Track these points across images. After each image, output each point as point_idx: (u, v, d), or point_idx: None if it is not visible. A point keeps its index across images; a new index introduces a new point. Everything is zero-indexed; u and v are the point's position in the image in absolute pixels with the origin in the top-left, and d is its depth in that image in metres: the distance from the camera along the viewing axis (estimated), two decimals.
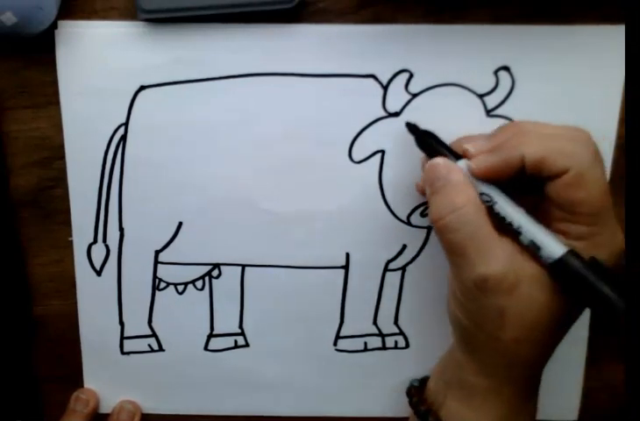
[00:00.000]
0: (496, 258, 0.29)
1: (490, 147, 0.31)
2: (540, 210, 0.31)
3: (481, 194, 0.30)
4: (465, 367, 0.32)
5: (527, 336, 0.30)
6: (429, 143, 0.33)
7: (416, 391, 0.36)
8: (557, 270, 0.29)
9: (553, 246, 0.29)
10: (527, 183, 0.30)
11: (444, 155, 0.31)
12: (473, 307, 0.30)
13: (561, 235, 0.29)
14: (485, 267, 0.29)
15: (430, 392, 0.35)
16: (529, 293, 0.29)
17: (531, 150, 0.29)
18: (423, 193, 0.33)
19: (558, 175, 0.29)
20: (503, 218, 0.30)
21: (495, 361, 0.31)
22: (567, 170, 0.28)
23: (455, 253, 0.30)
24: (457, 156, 0.31)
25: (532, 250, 0.29)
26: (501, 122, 0.35)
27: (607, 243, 0.29)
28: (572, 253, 0.28)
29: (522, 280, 0.29)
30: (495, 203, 0.30)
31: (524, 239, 0.29)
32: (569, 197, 0.29)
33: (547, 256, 0.29)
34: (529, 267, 0.29)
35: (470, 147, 0.31)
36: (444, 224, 0.30)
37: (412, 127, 0.34)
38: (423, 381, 0.37)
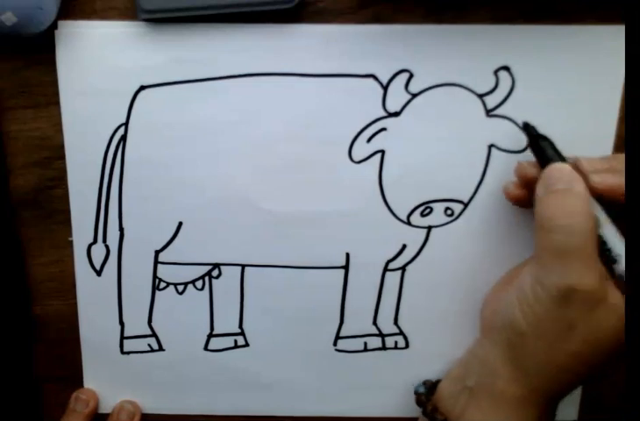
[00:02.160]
0: (593, 274, 0.29)
1: (607, 168, 0.31)
2: None
3: None
4: (498, 372, 0.32)
5: (587, 353, 0.30)
6: (543, 147, 0.33)
7: (426, 398, 0.36)
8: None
9: None
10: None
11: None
12: (545, 315, 0.30)
13: None
14: (580, 279, 0.29)
15: (444, 399, 0.34)
16: (607, 315, 0.29)
17: None
18: (514, 199, 0.34)
19: None
20: (604, 243, 0.30)
21: (542, 372, 0.31)
22: None
23: (554, 255, 0.30)
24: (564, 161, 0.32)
25: (621, 281, 0.30)
26: (501, 122, 0.35)
27: None
28: None
29: (604, 301, 0.29)
30: (601, 225, 0.30)
31: (618, 268, 0.30)
32: None
33: None
34: (613, 294, 0.29)
35: (584, 160, 0.31)
36: (556, 225, 0.30)
37: (529, 128, 0.34)
38: (426, 384, 0.37)
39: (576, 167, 0.31)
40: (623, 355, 0.30)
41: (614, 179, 0.31)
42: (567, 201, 0.30)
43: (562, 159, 0.32)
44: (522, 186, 0.34)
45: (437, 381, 0.36)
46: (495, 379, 0.32)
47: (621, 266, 0.30)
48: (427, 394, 0.36)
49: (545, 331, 0.30)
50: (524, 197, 0.34)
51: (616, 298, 0.30)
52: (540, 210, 0.31)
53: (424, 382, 0.37)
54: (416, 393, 0.37)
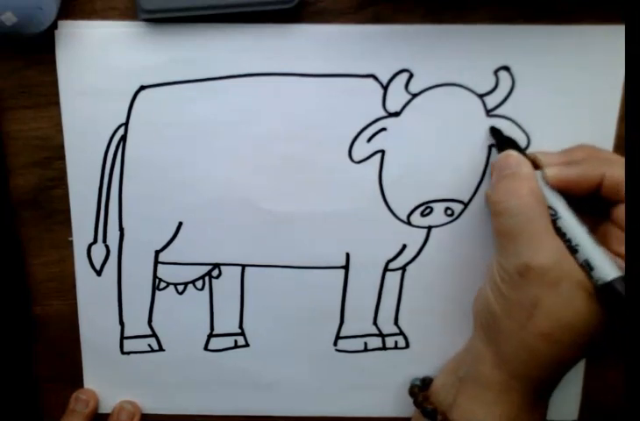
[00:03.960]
0: (545, 250, 0.30)
1: (563, 161, 0.32)
2: (599, 231, 0.32)
3: (548, 207, 0.31)
4: (483, 358, 0.32)
5: (555, 334, 0.30)
6: (506, 144, 0.34)
7: (420, 390, 0.36)
8: (604, 293, 0.29)
9: (607, 270, 0.29)
10: (588, 203, 0.31)
11: None
12: (510, 294, 0.31)
13: (620, 258, 0.30)
14: (532, 256, 0.30)
15: (437, 391, 0.35)
16: (569, 295, 0.29)
17: (614, 172, 0.30)
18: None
19: None
20: (564, 234, 0.31)
21: (515, 354, 0.31)
22: None
23: (507, 237, 0.31)
24: (534, 166, 0.33)
25: (584, 268, 0.30)
26: (501, 122, 0.35)
27: None
28: (622, 279, 0.29)
29: (565, 280, 0.29)
30: (559, 217, 0.31)
31: (579, 257, 0.30)
32: None
33: (598, 277, 0.29)
34: (576, 274, 0.30)
35: (540, 155, 0.33)
36: (504, 208, 0.31)
37: (495, 132, 0.34)
38: (425, 380, 0.37)
39: (533, 161, 0.33)
40: (597, 337, 0.30)
41: (568, 171, 0.31)
42: (513, 183, 0.31)
43: (522, 153, 0.33)
44: None
45: (432, 379, 0.37)
46: (480, 365, 0.32)
47: (581, 255, 0.30)
48: (421, 386, 0.37)
49: (513, 311, 0.31)
50: None
51: (581, 276, 0.30)
52: (491, 195, 0.32)
53: (423, 378, 0.38)
54: (411, 385, 0.37)
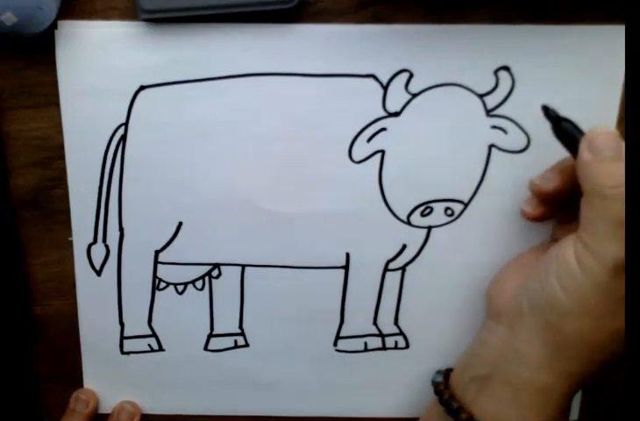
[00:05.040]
0: None
1: None
2: None
3: None
4: (529, 361, 0.30)
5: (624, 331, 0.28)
6: (569, 131, 0.31)
7: (445, 386, 0.34)
8: None
9: None
10: None
11: None
12: (594, 289, 0.28)
13: None
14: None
15: (453, 385, 0.34)
16: None
17: None
18: (535, 218, 0.33)
19: None
20: None
21: (579, 353, 0.29)
22: None
23: (615, 224, 0.28)
24: None
25: None
26: (501, 122, 0.35)
27: None
28: None
29: None
30: None
31: None
32: None
33: None
34: None
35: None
36: (616, 193, 0.28)
37: (550, 113, 0.32)
38: (444, 373, 0.35)
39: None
40: None
41: None
42: (622, 169, 0.28)
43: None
44: (540, 203, 0.33)
45: (451, 369, 0.35)
46: (515, 366, 0.31)
47: None
48: (445, 382, 0.35)
49: (593, 307, 0.29)
50: (545, 215, 0.33)
51: None
52: (592, 177, 0.29)
53: (439, 371, 0.36)
54: (434, 382, 0.35)
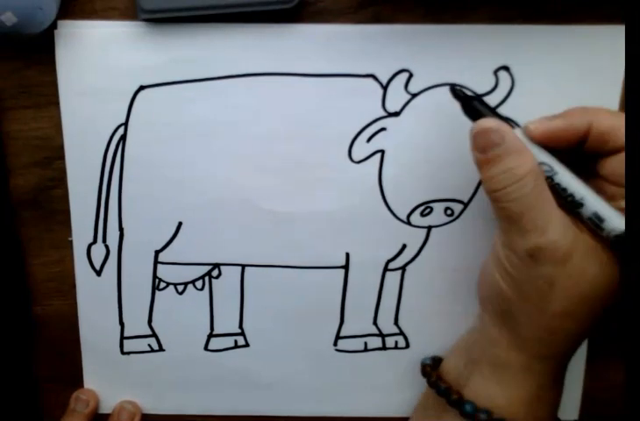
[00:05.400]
0: (552, 227, 0.29)
1: (543, 116, 0.30)
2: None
3: (540, 163, 0.29)
4: (497, 342, 0.32)
5: (573, 309, 0.29)
6: (476, 109, 0.31)
7: (432, 369, 0.36)
8: (620, 243, 0.28)
9: (618, 219, 0.28)
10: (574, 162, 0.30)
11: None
12: (523, 277, 0.30)
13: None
14: (540, 236, 0.29)
15: (448, 371, 0.34)
16: (582, 265, 0.29)
17: (601, 120, 0.29)
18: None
19: (621, 149, 0.29)
20: (564, 189, 0.29)
21: (535, 335, 0.31)
22: None
23: (511, 221, 0.29)
24: (507, 123, 0.30)
25: (593, 222, 0.29)
26: (534, 120, 0.34)
27: None
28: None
29: (576, 251, 0.29)
30: (556, 173, 0.29)
31: (586, 210, 0.29)
32: None
33: (611, 228, 0.28)
34: (583, 240, 0.29)
35: (529, 123, 0.30)
36: (503, 194, 0.29)
37: (458, 92, 0.32)
38: (434, 359, 0.37)
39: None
40: (612, 302, 0.30)
41: (551, 123, 0.30)
42: (506, 166, 0.29)
43: (500, 117, 0.30)
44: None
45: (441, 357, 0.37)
46: (495, 348, 0.32)
47: (588, 208, 0.29)
48: (432, 365, 0.36)
49: (528, 293, 0.30)
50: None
51: (588, 241, 0.29)
52: (485, 183, 0.30)
53: (432, 357, 0.37)
54: (422, 364, 0.37)
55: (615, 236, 0.28)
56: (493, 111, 0.31)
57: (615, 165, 0.29)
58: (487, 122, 0.30)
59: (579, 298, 0.29)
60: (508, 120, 0.31)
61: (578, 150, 0.30)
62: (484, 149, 0.30)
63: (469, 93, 0.32)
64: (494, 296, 0.32)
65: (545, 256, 0.29)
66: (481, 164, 0.30)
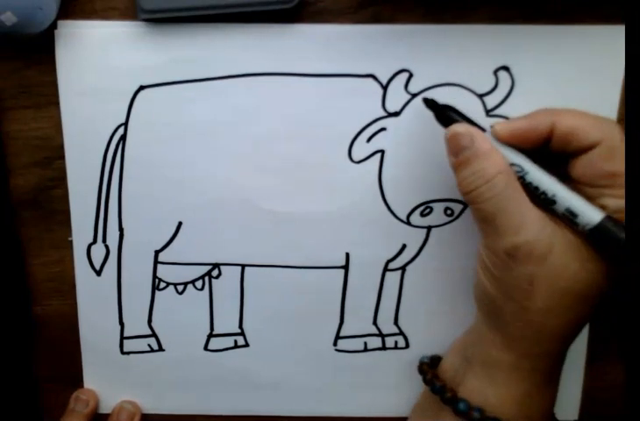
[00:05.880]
0: (528, 226, 0.29)
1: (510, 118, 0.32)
2: None
3: (511, 164, 0.30)
4: (489, 341, 0.32)
5: (556, 306, 0.30)
6: (449, 117, 0.32)
7: (429, 367, 0.36)
8: (595, 236, 0.29)
9: (591, 213, 0.29)
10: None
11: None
12: (504, 276, 0.30)
13: None
14: (516, 235, 0.29)
15: (446, 370, 0.35)
16: (561, 261, 0.29)
17: (563, 120, 0.30)
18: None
19: (587, 149, 0.29)
20: (536, 188, 0.30)
21: (522, 334, 0.31)
22: (599, 143, 0.29)
23: (486, 222, 0.30)
24: (480, 128, 0.31)
25: (567, 218, 0.29)
26: (500, 122, 0.35)
27: None
28: (609, 218, 0.28)
29: (553, 248, 0.29)
30: (527, 172, 0.30)
31: (559, 207, 0.29)
32: (603, 170, 0.29)
33: (585, 223, 0.29)
34: (561, 236, 0.29)
35: (495, 124, 0.31)
36: (476, 195, 0.30)
37: (430, 103, 0.33)
38: (433, 358, 0.37)
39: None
40: (599, 297, 0.30)
41: (515, 123, 0.31)
42: (478, 167, 0.30)
43: (472, 123, 0.32)
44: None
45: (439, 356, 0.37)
46: (487, 347, 0.32)
47: (561, 204, 0.29)
48: (430, 364, 0.36)
49: (510, 292, 0.30)
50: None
51: (565, 237, 0.29)
52: (459, 185, 0.31)
53: (431, 356, 0.38)
54: (420, 362, 0.37)
55: (590, 230, 0.29)
56: (464, 118, 0.32)
57: (585, 165, 0.30)
58: (458, 127, 0.31)
59: (560, 294, 0.29)
60: (479, 126, 0.32)
61: (549, 152, 0.31)
62: (456, 153, 0.31)
63: (441, 102, 0.33)
64: (482, 296, 0.32)
65: (523, 255, 0.29)
66: (455, 167, 0.31)
